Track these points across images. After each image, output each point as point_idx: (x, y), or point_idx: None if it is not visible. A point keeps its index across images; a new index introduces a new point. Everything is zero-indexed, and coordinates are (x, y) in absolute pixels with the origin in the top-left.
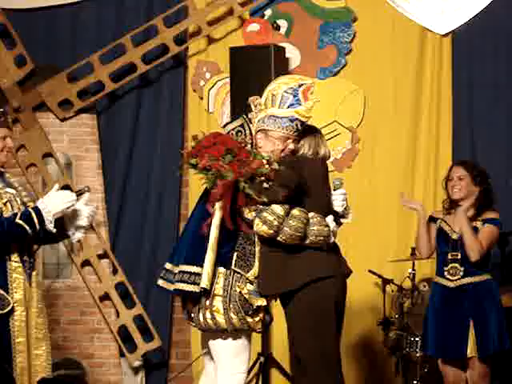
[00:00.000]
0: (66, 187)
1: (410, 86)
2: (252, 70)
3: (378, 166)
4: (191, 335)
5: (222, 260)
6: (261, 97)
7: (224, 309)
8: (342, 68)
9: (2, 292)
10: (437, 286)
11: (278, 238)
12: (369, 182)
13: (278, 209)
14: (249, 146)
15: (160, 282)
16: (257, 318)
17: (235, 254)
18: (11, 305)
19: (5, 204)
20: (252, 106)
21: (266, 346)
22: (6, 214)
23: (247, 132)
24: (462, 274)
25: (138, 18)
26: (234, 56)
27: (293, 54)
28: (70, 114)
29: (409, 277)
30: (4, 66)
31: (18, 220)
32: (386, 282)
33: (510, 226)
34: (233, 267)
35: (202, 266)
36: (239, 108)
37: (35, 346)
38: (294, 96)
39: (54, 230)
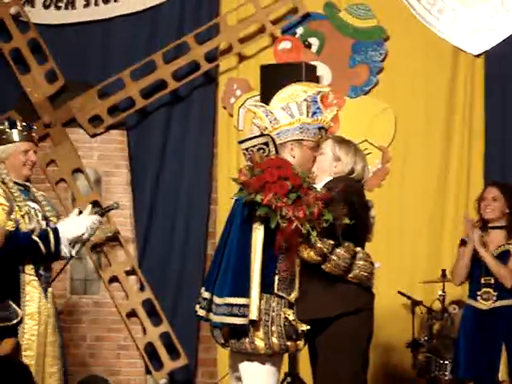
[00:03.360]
0: (95, 203)
1: (442, 106)
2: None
3: (409, 186)
4: (218, 354)
5: (264, 284)
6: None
7: (265, 333)
8: (373, 87)
9: (12, 304)
10: (469, 308)
11: (323, 266)
12: (399, 202)
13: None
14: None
15: (201, 313)
16: (299, 342)
17: (276, 277)
18: (19, 317)
19: (23, 216)
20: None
21: (292, 365)
22: (23, 226)
23: (272, 152)
24: (494, 298)
25: (170, 34)
26: (265, 73)
27: (324, 72)
28: (100, 130)
29: (439, 299)
30: (35, 81)
31: (34, 237)
32: (415, 303)
33: None
34: (275, 291)
35: (247, 297)
36: None
37: (50, 363)
38: (314, 103)
39: (69, 255)
